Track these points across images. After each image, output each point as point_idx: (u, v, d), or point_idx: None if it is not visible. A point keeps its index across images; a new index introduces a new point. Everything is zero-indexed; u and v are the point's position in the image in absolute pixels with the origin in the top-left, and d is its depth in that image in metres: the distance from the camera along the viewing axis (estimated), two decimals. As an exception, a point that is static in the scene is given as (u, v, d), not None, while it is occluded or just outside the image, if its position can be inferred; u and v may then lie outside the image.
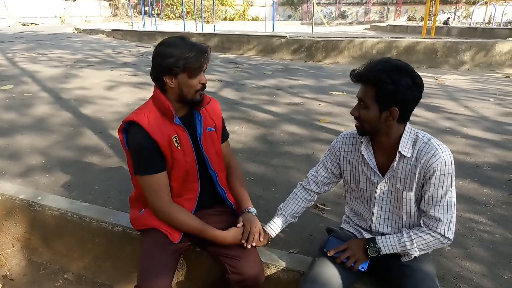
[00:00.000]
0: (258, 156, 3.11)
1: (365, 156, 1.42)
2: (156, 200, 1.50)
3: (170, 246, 1.52)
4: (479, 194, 2.50)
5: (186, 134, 1.54)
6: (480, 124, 3.98)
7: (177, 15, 31.93)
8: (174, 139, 1.49)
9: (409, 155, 1.32)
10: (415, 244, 1.34)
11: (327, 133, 3.66)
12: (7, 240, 2.42)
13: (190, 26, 16.88)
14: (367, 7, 36.68)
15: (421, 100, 1.30)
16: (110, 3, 32.42)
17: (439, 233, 1.32)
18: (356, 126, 1.40)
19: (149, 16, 19.58)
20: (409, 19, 31.41)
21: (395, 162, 1.35)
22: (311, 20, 16.49)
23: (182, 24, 16.73)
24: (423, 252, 1.38)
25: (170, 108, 1.46)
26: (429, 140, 1.33)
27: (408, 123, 1.36)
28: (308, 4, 28.98)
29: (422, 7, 24.56)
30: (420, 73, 1.31)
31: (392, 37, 8.80)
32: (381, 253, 1.39)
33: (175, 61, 1.40)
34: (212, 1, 33.19)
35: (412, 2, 32.45)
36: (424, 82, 1.30)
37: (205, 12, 32.61)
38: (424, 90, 1.30)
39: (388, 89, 1.23)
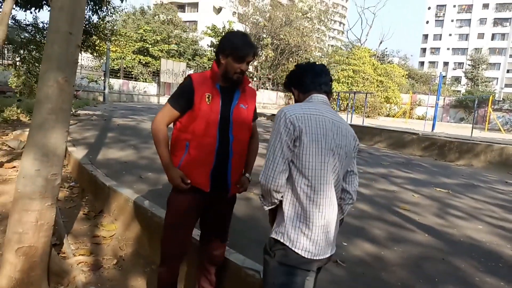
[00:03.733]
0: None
1: None
2: (160, 118, 1.99)
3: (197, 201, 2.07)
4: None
5: (219, 98, 1.96)
6: None
7: (341, 108, 34.27)
8: (207, 96, 1.94)
9: None
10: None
11: (395, 217, 3.86)
12: (131, 235, 3.59)
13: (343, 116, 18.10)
14: (562, 119, 31.43)
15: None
16: (285, 94, 37.68)
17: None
18: None
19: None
20: None
21: None
22: (484, 124, 15.15)
23: (343, 116, 18.15)
24: (271, 206, 1.64)
25: (217, 74, 1.95)
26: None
27: (313, 93, 1.72)
28: (485, 109, 26.89)
29: None
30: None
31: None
32: None
33: (228, 46, 1.89)
34: (375, 98, 34.80)
35: None
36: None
37: (368, 108, 33.98)
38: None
39: (285, 83, 1.86)
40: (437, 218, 3.94)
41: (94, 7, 9.18)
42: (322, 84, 1.72)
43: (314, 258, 1.54)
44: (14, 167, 5.09)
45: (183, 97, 1.95)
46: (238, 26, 36.93)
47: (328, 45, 58.50)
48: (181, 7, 46.87)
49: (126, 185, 4.18)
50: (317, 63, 1.84)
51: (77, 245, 3.35)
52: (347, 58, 38.16)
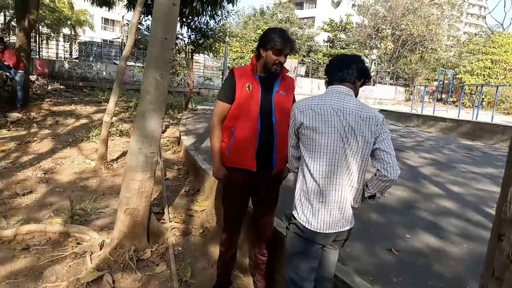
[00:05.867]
0: (386, 211, 3.59)
1: None
2: (214, 116, 2.32)
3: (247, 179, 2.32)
4: None
5: (259, 87, 2.22)
6: None
7: (475, 104, 30.29)
8: (247, 85, 2.21)
9: None
10: None
11: (481, 217, 3.57)
12: (217, 211, 4.13)
13: (468, 115, 16.28)
14: None
15: None
16: (405, 90, 34.95)
17: None
18: None
19: (444, 103, 20.09)
20: None
21: None
22: None
23: (470, 112, 16.50)
24: None
25: (255, 66, 2.23)
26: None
27: (331, 86, 1.83)
28: None
29: None
30: None
31: None
32: None
33: (268, 41, 2.13)
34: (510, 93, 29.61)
35: None
36: None
37: (507, 103, 29.24)
38: None
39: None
40: (536, 223, 3.48)
41: (211, 12, 10.27)
42: (344, 74, 1.79)
43: (317, 231, 1.73)
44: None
45: (228, 89, 2.25)
46: (356, 19, 35.74)
47: (464, 32, 51.86)
48: (299, 4, 47.54)
49: (218, 168, 4.78)
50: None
51: (174, 215, 4.05)
52: (483, 46, 33.34)
